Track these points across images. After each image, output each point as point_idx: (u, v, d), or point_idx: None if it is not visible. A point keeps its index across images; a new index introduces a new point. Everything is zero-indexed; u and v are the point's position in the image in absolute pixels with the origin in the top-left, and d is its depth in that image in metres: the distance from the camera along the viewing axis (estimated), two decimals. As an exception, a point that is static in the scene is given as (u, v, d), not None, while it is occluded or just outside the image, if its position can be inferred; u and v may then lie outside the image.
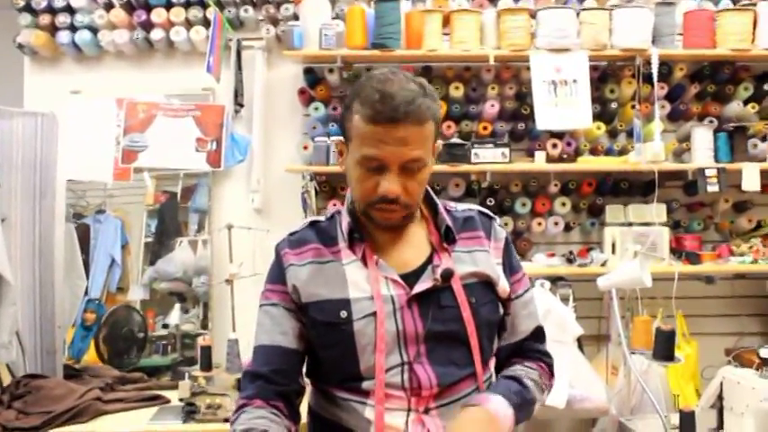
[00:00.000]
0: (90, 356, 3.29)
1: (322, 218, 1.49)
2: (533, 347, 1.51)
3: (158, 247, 3.46)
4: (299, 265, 1.40)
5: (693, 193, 3.27)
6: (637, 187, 3.31)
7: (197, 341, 3.27)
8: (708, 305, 3.36)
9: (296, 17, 3.30)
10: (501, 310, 1.44)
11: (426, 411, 1.32)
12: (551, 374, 1.51)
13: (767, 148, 3.22)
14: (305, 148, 3.21)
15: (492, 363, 1.47)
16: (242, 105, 3.39)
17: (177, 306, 3.37)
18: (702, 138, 3.20)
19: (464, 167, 3.14)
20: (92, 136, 3.29)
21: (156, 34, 3.34)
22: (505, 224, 3.20)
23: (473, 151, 3.14)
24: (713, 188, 3.09)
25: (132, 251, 3.47)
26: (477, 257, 1.42)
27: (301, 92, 3.33)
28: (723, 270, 3.19)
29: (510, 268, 1.48)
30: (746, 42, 3.14)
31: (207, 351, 2.98)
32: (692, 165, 3.17)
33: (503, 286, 1.43)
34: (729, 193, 3.27)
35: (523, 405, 1.36)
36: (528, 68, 3.16)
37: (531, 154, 3.26)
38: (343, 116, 1.38)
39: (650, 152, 3.08)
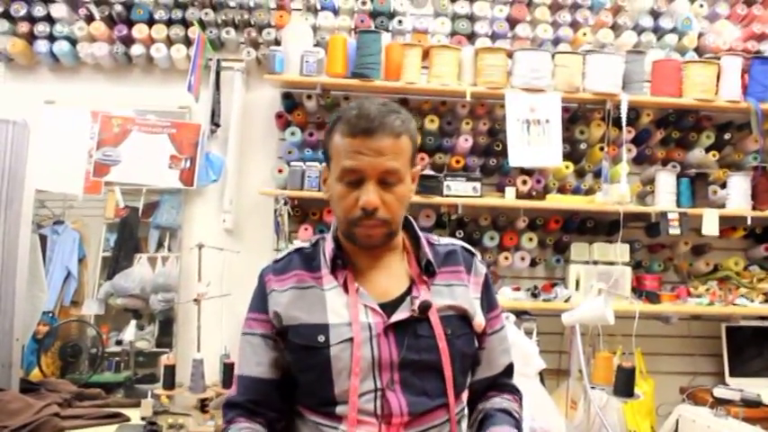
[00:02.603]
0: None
1: (306, 244, 1.53)
2: (506, 383, 1.55)
3: (116, 262, 3.41)
4: (281, 290, 1.43)
5: (655, 235, 3.39)
6: (602, 226, 3.41)
7: (157, 359, 3.25)
8: (664, 344, 3.46)
9: (277, 42, 3.35)
10: (476, 344, 1.47)
11: None
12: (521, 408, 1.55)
13: (726, 194, 3.35)
14: (279, 171, 3.23)
15: (465, 395, 1.49)
16: (218, 125, 3.40)
17: (133, 323, 3.32)
18: (666, 182, 3.32)
19: (436, 199, 3.20)
20: (64, 147, 3.26)
21: (136, 50, 3.35)
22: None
23: (445, 183, 3.22)
24: (675, 231, 3.21)
25: (89, 264, 3.42)
26: (456, 291, 1.45)
27: (278, 116, 3.36)
28: (681, 310, 3.30)
29: (488, 304, 1.51)
30: (710, 93, 3.29)
31: (171, 370, 2.97)
32: (655, 208, 3.29)
33: (478, 321, 1.45)
34: (689, 237, 3.39)
35: None
36: (501, 106, 3.25)
37: (501, 189, 3.34)
38: (325, 141, 1.44)
39: (616, 193, 3.19)
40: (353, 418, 1.32)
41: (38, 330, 3.24)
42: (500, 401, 1.49)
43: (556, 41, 3.46)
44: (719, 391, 3.04)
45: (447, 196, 3.21)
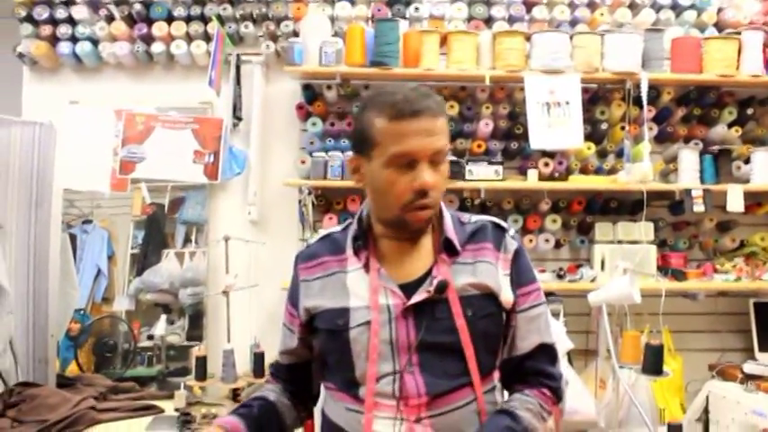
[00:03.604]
0: (76, 366, 3.25)
1: (338, 228, 1.53)
2: (536, 368, 1.45)
3: (145, 259, 3.43)
4: (310, 279, 1.47)
5: (679, 213, 3.35)
6: (625, 206, 3.37)
7: (188, 352, 3.26)
8: (692, 321, 3.41)
9: (296, 34, 3.33)
10: (503, 322, 1.42)
11: (418, 420, 1.31)
12: (557, 398, 1.44)
13: (750, 170, 3.29)
14: (302, 162, 3.22)
15: (497, 374, 1.45)
16: (240, 119, 3.40)
17: (163, 317, 3.34)
18: (689, 159, 3.28)
19: (459, 184, 3.17)
20: (90, 146, 3.28)
21: (157, 47, 3.35)
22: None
23: (467, 168, 3.18)
24: (699, 208, 3.17)
25: (118, 262, 3.44)
26: (479, 268, 1.40)
27: (299, 107, 3.35)
28: (707, 287, 3.25)
29: (517, 280, 1.44)
30: (731, 69, 3.23)
31: (202, 361, 2.97)
32: (678, 185, 3.24)
33: (505, 297, 1.40)
34: (714, 214, 3.34)
35: None
36: (521, 89, 3.21)
37: (523, 172, 3.31)
38: (360, 128, 1.38)
39: (638, 172, 3.14)
40: (371, 401, 1.33)
41: (71, 328, 3.27)
42: (510, 400, 1.42)
43: (573, 22, 3.42)
44: (749, 367, 3.00)
45: (469, 180, 3.18)
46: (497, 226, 1.49)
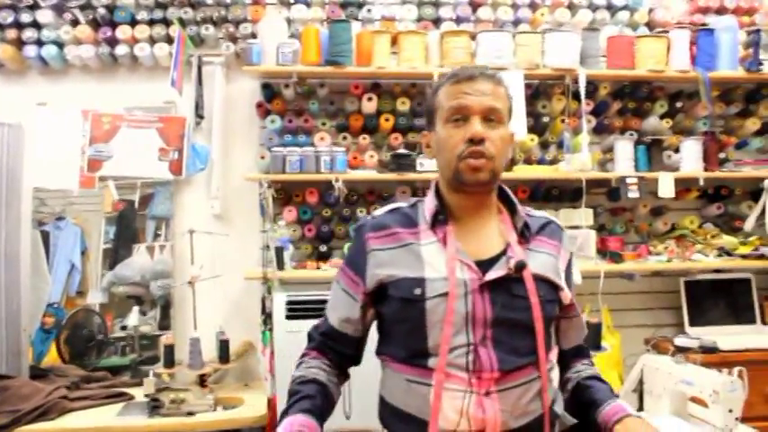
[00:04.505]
0: (51, 358, 3.21)
1: (405, 204, 1.53)
2: (584, 346, 1.60)
3: (116, 253, 3.38)
4: (382, 249, 1.44)
5: (616, 199, 3.39)
6: (566, 194, 3.40)
7: (159, 341, 3.23)
8: (628, 300, 3.48)
9: (254, 36, 3.30)
10: (557, 311, 1.47)
11: (487, 394, 1.31)
12: None
13: (680, 158, 3.35)
14: (262, 157, 3.20)
15: (552, 355, 1.49)
16: (202, 117, 3.36)
17: (135, 309, 3.31)
18: (624, 149, 3.31)
19: (410, 176, 3.17)
20: (58, 146, 3.21)
21: (121, 50, 3.28)
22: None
23: (418, 161, 3.18)
24: (633, 195, 3.21)
25: (91, 257, 3.38)
26: (544, 260, 1.44)
27: (258, 105, 3.32)
28: (642, 268, 3.30)
29: (568, 282, 1.50)
30: (661, 65, 3.28)
31: (170, 349, 2.95)
32: (615, 174, 3.28)
33: (566, 293, 1.45)
34: (647, 199, 3.39)
35: None
36: (468, 85, 3.22)
37: (471, 164, 3.32)
38: (429, 103, 1.48)
39: (578, 162, 3.18)
40: (442, 370, 1.32)
41: (45, 321, 3.23)
42: (584, 368, 1.54)
43: (516, 22, 3.43)
44: (680, 341, 3.07)
45: (420, 172, 3.17)
46: (558, 225, 1.55)
